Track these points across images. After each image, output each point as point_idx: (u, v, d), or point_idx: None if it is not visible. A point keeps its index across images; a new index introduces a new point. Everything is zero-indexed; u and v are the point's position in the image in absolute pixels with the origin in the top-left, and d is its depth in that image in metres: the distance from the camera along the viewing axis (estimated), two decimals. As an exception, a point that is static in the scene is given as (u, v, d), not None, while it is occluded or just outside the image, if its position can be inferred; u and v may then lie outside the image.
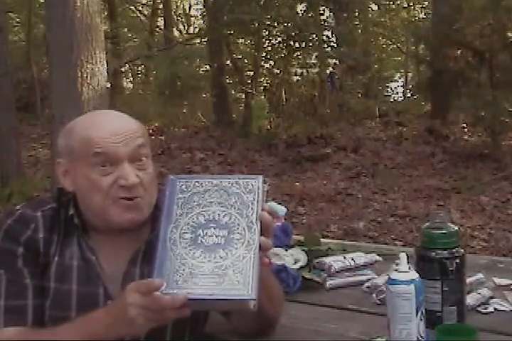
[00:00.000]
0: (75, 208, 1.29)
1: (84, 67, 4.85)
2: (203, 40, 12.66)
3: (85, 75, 4.85)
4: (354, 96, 12.48)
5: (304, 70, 12.73)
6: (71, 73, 4.86)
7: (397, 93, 17.56)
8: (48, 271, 1.26)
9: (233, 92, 13.08)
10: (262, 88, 12.45)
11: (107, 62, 5.17)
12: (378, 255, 1.83)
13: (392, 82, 17.66)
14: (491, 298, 1.51)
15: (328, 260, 1.73)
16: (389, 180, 7.35)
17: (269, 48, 12.06)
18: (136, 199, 1.23)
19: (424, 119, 10.23)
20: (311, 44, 11.43)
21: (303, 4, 11.46)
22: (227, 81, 12.08)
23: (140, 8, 17.20)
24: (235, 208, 1.12)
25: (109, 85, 6.50)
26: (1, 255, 1.26)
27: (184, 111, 12.48)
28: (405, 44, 15.47)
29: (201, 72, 13.31)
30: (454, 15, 8.42)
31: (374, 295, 1.55)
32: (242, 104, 12.52)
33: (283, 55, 12.02)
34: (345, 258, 1.76)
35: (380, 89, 14.97)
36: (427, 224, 1.32)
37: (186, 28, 17.76)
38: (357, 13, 13.06)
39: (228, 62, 11.96)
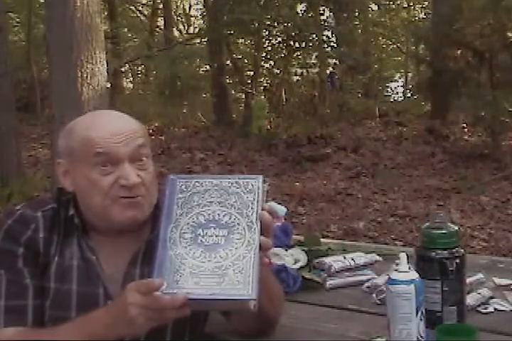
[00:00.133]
0: (75, 208, 1.29)
1: (84, 67, 4.85)
2: (203, 40, 12.67)
3: (85, 75, 4.86)
4: (354, 96, 12.48)
5: (304, 70, 12.73)
6: (71, 73, 4.86)
7: (397, 93, 17.58)
8: (48, 271, 1.26)
9: (233, 92, 13.09)
10: (262, 88, 12.45)
11: (107, 62, 5.17)
12: (378, 255, 1.83)
13: (392, 82, 17.68)
14: (491, 298, 1.51)
15: (328, 260, 1.73)
16: (389, 180, 7.35)
17: (269, 48, 12.06)
18: (138, 197, 1.23)
19: (424, 119, 10.23)
20: (311, 44, 11.43)
21: (303, 4, 11.46)
22: (227, 81, 12.08)
23: (140, 8, 17.21)
24: (235, 208, 1.12)
25: (109, 85, 6.50)
26: (1, 255, 1.26)
27: (184, 111, 12.47)
28: (405, 44, 15.48)
29: (201, 72, 13.32)
30: (454, 15, 8.42)
31: (374, 295, 1.55)
32: (242, 104, 12.53)
33: (283, 55, 12.02)
34: (345, 258, 1.76)
35: (380, 89, 14.97)
36: (427, 224, 1.32)
37: (186, 28, 17.76)
38: (357, 13, 13.07)
39: (228, 62, 11.96)
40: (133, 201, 1.23)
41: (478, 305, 1.47)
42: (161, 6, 15.74)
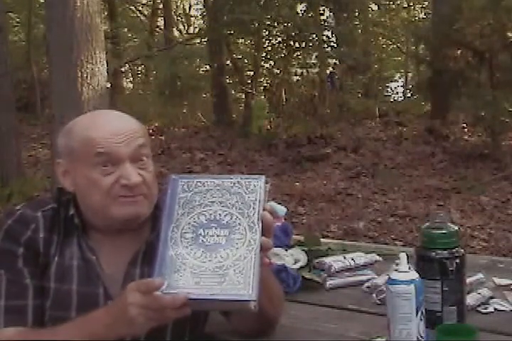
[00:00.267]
0: (75, 208, 1.29)
1: (84, 67, 4.85)
2: (203, 40, 12.67)
3: (85, 75, 4.86)
4: (354, 96, 12.48)
5: (304, 70, 12.73)
6: (71, 73, 4.86)
7: (397, 93, 17.59)
8: (48, 271, 1.26)
9: (233, 92, 13.09)
10: (262, 88, 12.45)
11: (107, 62, 5.17)
12: (378, 255, 1.83)
13: (392, 82, 17.68)
14: (491, 298, 1.51)
15: (328, 260, 1.73)
16: (389, 180, 7.35)
17: (269, 48, 12.06)
18: (138, 196, 1.23)
19: (424, 119, 10.23)
20: (311, 44, 11.43)
21: (303, 4, 11.46)
22: (227, 81, 12.08)
23: (140, 8, 17.21)
24: (236, 208, 1.12)
25: (109, 85, 6.50)
26: (1, 255, 1.26)
27: (184, 111, 12.47)
28: (405, 44, 15.48)
29: (201, 72, 13.31)
30: (454, 15, 8.42)
31: (374, 295, 1.55)
32: (242, 104, 12.53)
33: (283, 55, 12.02)
34: (345, 258, 1.76)
35: (380, 89, 14.97)
36: (427, 224, 1.32)
37: (186, 28, 17.76)
38: (357, 13, 13.07)
39: (228, 62, 11.96)
40: (133, 200, 1.23)
41: (478, 305, 1.47)
42: (161, 6, 15.74)
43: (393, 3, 15.09)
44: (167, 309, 1.04)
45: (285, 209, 1.88)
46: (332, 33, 11.83)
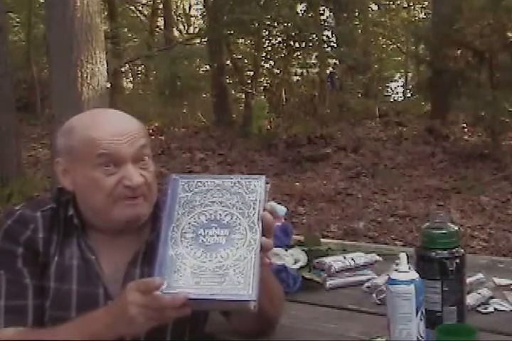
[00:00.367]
0: (74, 208, 1.29)
1: (84, 67, 4.85)
2: (203, 40, 12.66)
3: (85, 75, 4.86)
4: (354, 96, 12.48)
5: (304, 70, 12.73)
6: (71, 73, 4.86)
7: (397, 93, 17.58)
8: (47, 270, 1.26)
9: (233, 92, 13.08)
10: (262, 88, 12.45)
11: (107, 62, 5.17)
12: (378, 255, 1.83)
13: (392, 82, 17.68)
14: (491, 298, 1.51)
15: (328, 260, 1.73)
16: (389, 180, 7.35)
17: (269, 48, 12.06)
18: (139, 198, 1.23)
19: (424, 119, 10.23)
20: (311, 44, 11.43)
21: (303, 4, 11.46)
22: (227, 81, 12.08)
23: (140, 8, 17.20)
24: (236, 208, 1.12)
25: (109, 85, 6.50)
26: (0, 255, 1.26)
27: (184, 111, 12.47)
28: (405, 44, 15.47)
29: (201, 72, 13.31)
30: (454, 15, 8.42)
31: (374, 295, 1.55)
32: (242, 104, 12.53)
33: (283, 55, 12.02)
34: (345, 258, 1.76)
35: (380, 89, 14.97)
36: (427, 224, 1.32)
37: (186, 28, 17.76)
38: (357, 13, 13.07)
39: (228, 62, 11.96)
40: (135, 202, 1.23)
41: (478, 305, 1.47)
42: (161, 6, 15.74)
43: (393, 3, 15.09)
44: (167, 309, 1.04)
45: (285, 209, 1.88)
46: (332, 33, 11.83)
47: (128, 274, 1.26)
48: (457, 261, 1.27)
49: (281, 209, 1.84)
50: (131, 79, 18.47)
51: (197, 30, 16.27)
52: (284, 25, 11.08)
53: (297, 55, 12.51)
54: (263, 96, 11.67)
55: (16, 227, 1.27)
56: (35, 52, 12.74)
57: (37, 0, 12.28)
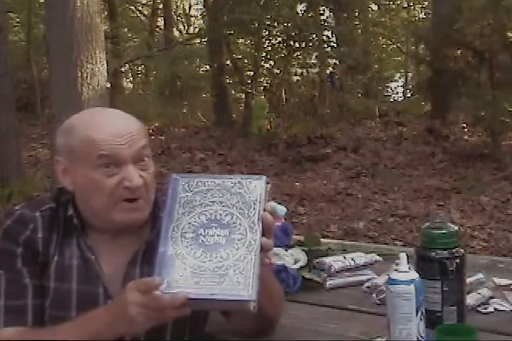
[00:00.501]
0: (73, 208, 1.29)
1: (84, 67, 4.85)
2: (203, 40, 12.66)
3: (85, 75, 4.86)
4: (354, 96, 12.48)
5: (304, 70, 12.73)
6: (71, 73, 4.86)
7: (397, 93, 17.58)
8: (47, 270, 1.26)
9: (233, 92, 13.08)
10: (262, 88, 12.46)
11: (107, 62, 5.17)
12: (378, 255, 1.83)
13: (392, 82, 17.68)
14: (491, 298, 1.51)
15: (328, 260, 1.73)
16: (389, 180, 7.35)
17: (269, 48, 12.06)
18: (139, 200, 1.24)
19: (424, 119, 10.23)
20: (311, 44, 11.43)
21: (303, 4, 11.46)
22: (227, 81, 12.08)
23: (140, 8, 17.20)
24: (236, 208, 1.12)
25: (109, 85, 6.50)
26: (0, 255, 1.26)
27: (184, 111, 12.47)
28: (405, 44, 15.47)
29: (201, 72, 13.31)
30: (454, 15, 8.42)
31: (374, 295, 1.55)
32: (242, 104, 12.53)
33: (283, 55, 12.02)
34: (345, 258, 1.76)
35: (380, 89, 14.97)
36: (427, 224, 1.32)
37: (186, 28, 17.76)
38: (357, 13, 13.07)
39: (228, 62, 11.96)
40: (135, 206, 1.23)
41: (478, 305, 1.47)
42: (161, 6, 15.74)
43: (393, 3, 15.09)
44: (167, 308, 1.04)
45: (285, 209, 1.88)
46: (332, 33, 11.83)
47: (128, 274, 1.26)
48: (457, 261, 1.27)
49: (281, 209, 1.84)
50: (131, 79, 18.47)
51: (197, 30, 16.28)
52: (284, 25, 11.08)
53: (297, 55, 12.51)
54: (263, 96, 11.67)
55: (16, 227, 1.27)
56: (35, 52, 12.74)
57: (37, 0, 12.28)
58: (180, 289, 1.04)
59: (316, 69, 12.39)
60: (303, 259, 1.71)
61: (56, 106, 5.04)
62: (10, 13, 12.41)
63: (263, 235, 1.09)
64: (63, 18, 4.85)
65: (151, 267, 1.08)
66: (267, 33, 11.62)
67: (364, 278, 1.68)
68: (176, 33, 16.15)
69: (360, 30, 13.73)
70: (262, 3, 10.30)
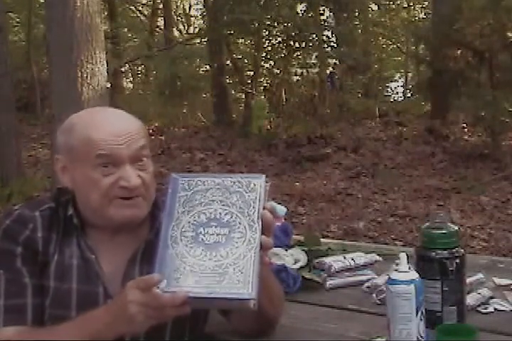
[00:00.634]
0: (73, 208, 1.29)
1: (84, 67, 4.85)
2: (203, 40, 12.67)
3: (85, 75, 4.86)
4: (354, 96, 12.48)
5: (304, 70, 12.74)
6: (71, 73, 4.87)
7: (397, 93, 17.59)
8: (47, 269, 1.26)
9: (233, 92, 13.09)
10: (262, 88, 12.46)
11: (107, 62, 5.17)
12: (378, 255, 1.83)
13: (392, 82, 17.68)
14: (491, 298, 1.51)
15: (328, 260, 1.73)
16: (389, 180, 7.35)
17: (269, 48, 12.07)
18: (137, 198, 1.24)
19: (424, 119, 10.23)
20: (311, 44, 11.43)
21: (303, 4, 11.47)
22: (227, 81, 12.08)
23: (140, 8, 17.20)
24: (236, 207, 1.12)
25: (109, 85, 6.50)
26: (0, 255, 1.26)
27: (184, 111, 12.47)
28: (405, 44, 15.48)
29: (201, 72, 13.31)
30: (454, 15, 8.42)
31: (374, 295, 1.55)
32: (242, 104, 12.53)
33: (283, 55, 12.03)
34: (345, 258, 1.76)
35: (380, 89, 14.98)
36: (427, 224, 1.32)
37: (186, 28, 17.76)
38: (357, 13, 13.07)
39: (228, 62, 11.96)
40: (132, 202, 1.23)
41: (478, 305, 1.47)
42: (161, 6, 15.74)
43: (393, 3, 15.10)
44: (167, 307, 1.04)
45: (285, 209, 1.88)
46: (332, 33, 11.83)
47: (127, 273, 1.26)
48: (457, 261, 1.27)
49: (281, 209, 1.84)
50: (131, 79, 18.47)
51: (197, 30, 16.28)
52: (284, 25, 11.08)
53: (297, 55, 12.51)
54: (263, 96, 11.67)
55: (15, 227, 1.27)
56: (35, 52, 12.74)
57: (37, 0, 12.28)
58: (180, 288, 1.04)
59: (316, 69, 12.39)
60: (303, 259, 1.71)
61: (56, 106, 5.04)
62: (10, 13, 12.41)
63: (263, 233, 1.09)
64: (63, 18, 4.85)
65: (151, 266, 1.09)
66: (267, 33, 11.63)
67: (364, 278, 1.68)
68: (176, 33, 16.16)
69: (360, 30, 13.73)
70: (262, 3, 10.30)
